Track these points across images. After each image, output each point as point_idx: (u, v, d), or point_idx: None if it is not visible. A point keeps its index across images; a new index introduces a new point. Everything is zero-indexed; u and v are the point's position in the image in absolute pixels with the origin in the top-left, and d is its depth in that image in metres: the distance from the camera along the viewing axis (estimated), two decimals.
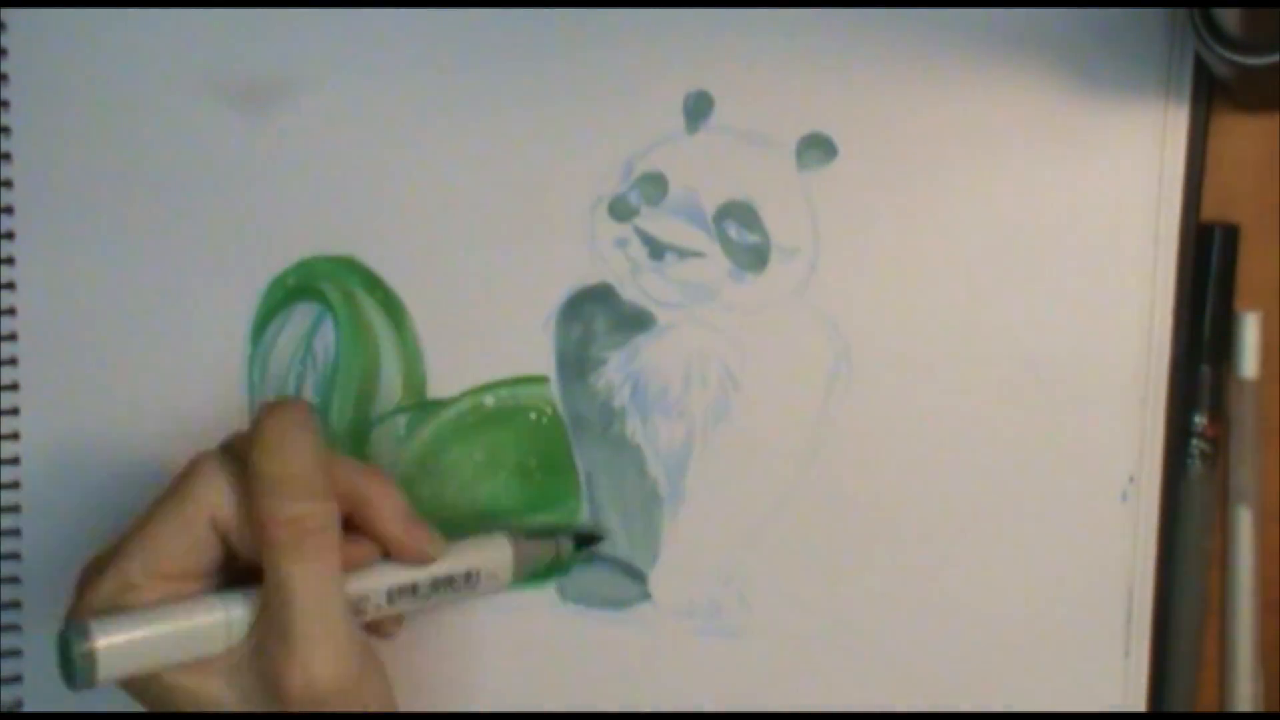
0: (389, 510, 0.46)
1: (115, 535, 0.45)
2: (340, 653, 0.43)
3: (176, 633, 0.43)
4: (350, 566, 0.45)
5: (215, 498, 0.44)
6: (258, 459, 0.44)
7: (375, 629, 0.48)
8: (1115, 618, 0.48)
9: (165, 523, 0.44)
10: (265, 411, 0.45)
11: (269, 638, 0.43)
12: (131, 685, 0.44)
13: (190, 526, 0.44)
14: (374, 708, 0.44)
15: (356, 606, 0.45)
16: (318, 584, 0.43)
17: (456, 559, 0.47)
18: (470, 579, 0.48)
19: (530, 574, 0.49)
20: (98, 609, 0.43)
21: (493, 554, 0.48)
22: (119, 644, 0.42)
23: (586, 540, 0.50)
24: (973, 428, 0.48)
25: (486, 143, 0.50)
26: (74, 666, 0.41)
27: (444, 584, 0.47)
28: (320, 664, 0.43)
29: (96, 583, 0.44)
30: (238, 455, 0.45)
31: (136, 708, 0.52)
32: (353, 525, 0.46)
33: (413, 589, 0.47)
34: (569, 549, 0.50)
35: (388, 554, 0.47)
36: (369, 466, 0.48)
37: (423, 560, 0.47)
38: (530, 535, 0.49)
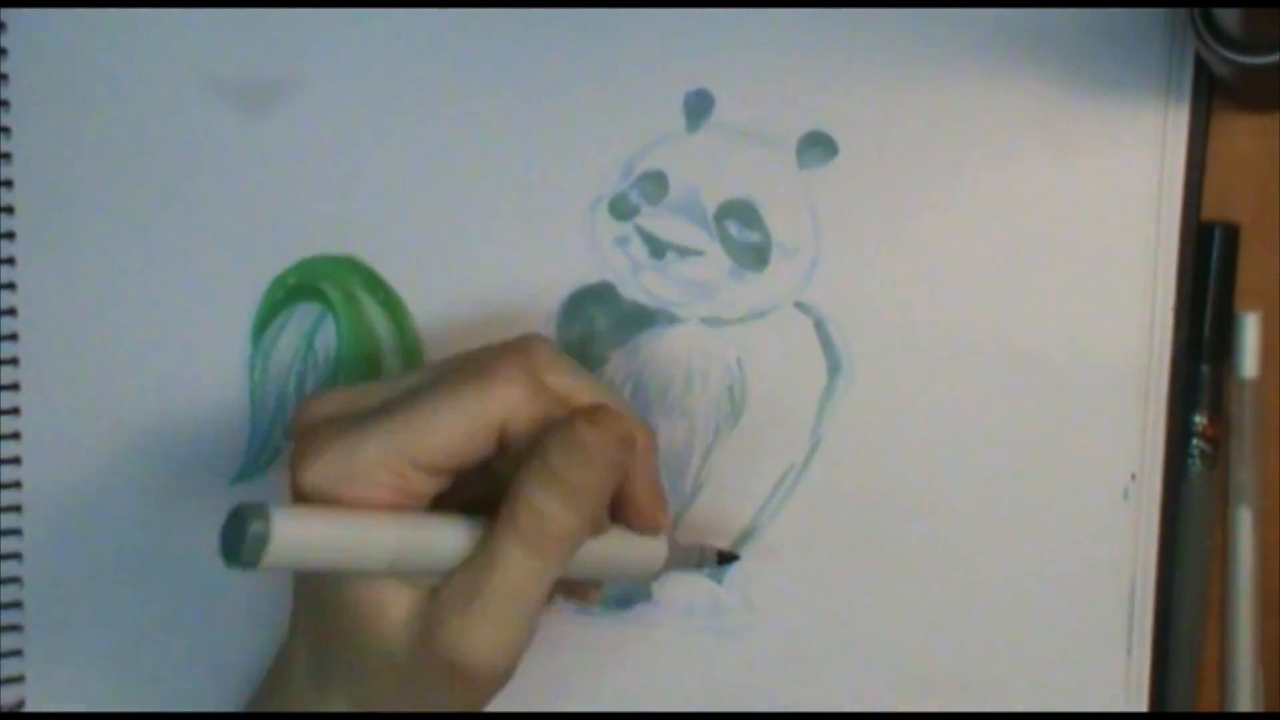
0: (646, 479, 0.46)
1: (328, 385, 0.45)
2: (518, 651, 0.42)
3: (366, 544, 0.41)
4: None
5: (516, 409, 0.42)
6: (565, 460, 0.42)
7: (579, 592, 0.48)
8: (1117, 616, 0.48)
9: (454, 420, 0.42)
10: (604, 415, 0.42)
11: (458, 597, 0.42)
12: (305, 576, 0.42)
13: (481, 431, 0.42)
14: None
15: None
16: (539, 586, 0.42)
17: (627, 544, 0.46)
18: (629, 567, 0.47)
19: (663, 575, 0.49)
20: (356, 466, 0.41)
21: (653, 548, 0.47)
22: (295, 538, 0.40)
23: (727, 558, 0.50)
24: (974, 426, 0.48)
25: (487, 142, 0.50)
26: (241, 546, 0.39)
27: (615, 563, 0.46)
28: (497, 653, 0.42)
29: (358, 439, 0.42)
30: (540, 388, 0.43)
31: (148, 707, 0.52)
32: None
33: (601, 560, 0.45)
34: (711, 561, 0.49)
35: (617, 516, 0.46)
36: (643, 423, 0.46)
37: (655, 531, 0.46)
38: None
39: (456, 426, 0.42)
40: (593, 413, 0.42)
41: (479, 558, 0.42)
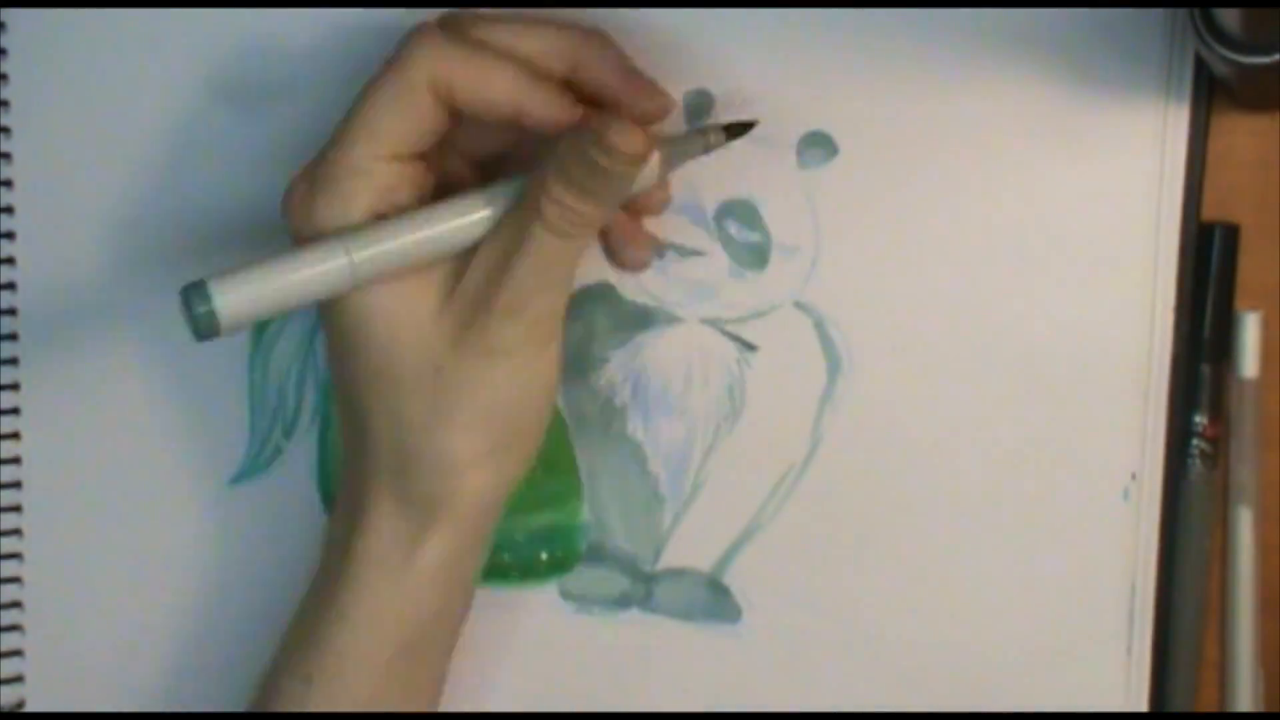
0: (609, 65, 0.46)
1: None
2: (557, 323, 0.45)
3: (297, 279, 0.43)
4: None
5: (436, 63, 0.43)
6: (584, 172, 0.42)
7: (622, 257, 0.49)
8: (1118, 616, 0.48)
9: (383, 95, 0.43)
10: (615, 137, 0.42)
11: (486, 282, 0.43)
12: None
13: (411, 94, 0.43)
14: None
15: None
16: (570, 258, 0.44)
17: None
18: None
19: (678, 165, 0.47)
20: (327, 200, 0.43)
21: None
22: (237, 302, 0.42)
23: (738, 129, 0.48)
24: (974, 426, 0.48)
25: None
26: (197, 323, 0.42)
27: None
28: (540, 322, 0.44)
29: (321, 169, 0.44)
30: (463, 40, 0.44)
31: (148, 707, 0.52)
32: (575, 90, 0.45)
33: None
34: (719, 139, 0.47)
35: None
36: (582, 28, 0.46)
37: (651, 115, 0.46)
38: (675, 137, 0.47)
39: (385, 107, 0.43)
40: (603, 134, 0.42)
41: (502, 244, 0.43)
